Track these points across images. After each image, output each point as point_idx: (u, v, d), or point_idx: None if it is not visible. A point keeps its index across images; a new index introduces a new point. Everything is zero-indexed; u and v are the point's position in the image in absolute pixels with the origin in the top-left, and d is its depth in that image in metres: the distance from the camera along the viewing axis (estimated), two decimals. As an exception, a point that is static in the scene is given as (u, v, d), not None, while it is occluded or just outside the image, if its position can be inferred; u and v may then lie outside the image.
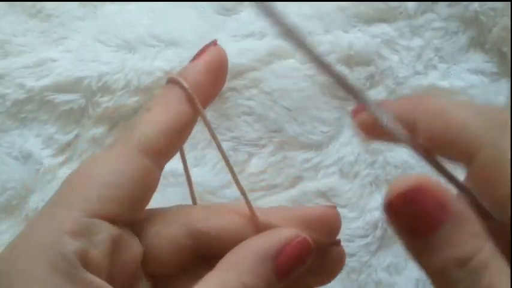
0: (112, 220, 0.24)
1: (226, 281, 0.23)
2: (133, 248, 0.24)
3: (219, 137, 0.39)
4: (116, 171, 0.24)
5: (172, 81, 0.26)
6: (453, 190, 0.23)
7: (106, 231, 0.23)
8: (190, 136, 0.39)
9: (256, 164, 0.39)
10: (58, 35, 0.41)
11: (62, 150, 0.39)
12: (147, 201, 0.25)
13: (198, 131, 0.39)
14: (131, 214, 0.25)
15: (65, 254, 0.22)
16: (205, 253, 0.26)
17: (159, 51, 0.40)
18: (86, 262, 0.22)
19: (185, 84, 0.26)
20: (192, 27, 0.41)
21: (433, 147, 0.24)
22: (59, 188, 0.26)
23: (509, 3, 0.40)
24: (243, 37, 0.41)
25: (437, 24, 0.41)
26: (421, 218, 0.22)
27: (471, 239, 0.22)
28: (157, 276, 0.26)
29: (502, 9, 0.40)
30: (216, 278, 0.23)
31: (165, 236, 0.26)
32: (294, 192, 0.38)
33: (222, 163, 0.39)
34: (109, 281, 0.23)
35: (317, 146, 0.39)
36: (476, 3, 0.40)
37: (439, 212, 0.22)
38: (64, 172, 0.39)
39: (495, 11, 0.40)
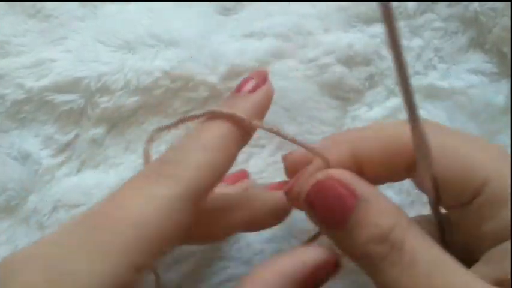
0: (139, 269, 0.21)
1: None
2: None
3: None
4: (160, 221, 0.22)
5: (228, 117, 0.25)
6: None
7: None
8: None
9: (255, 164, 0.38)
10: (57, 35, 0.41)
11: (61, 150, 0.39)
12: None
13: (198, 131, 0.39)
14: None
15: None
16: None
17: (159, 51, 0.40)
18: None
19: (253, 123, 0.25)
20: (192, 27, 0.41)
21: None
22: (77, 230, 0.22)
23: (509, 3, 0.40)
24: (243, 37, 0.41)
25: (437, 24, 0.41)
26: (332, 207, 0.23)
27: (384, 216, 0.22)
28: None
29: (502, 10, 0.40)
30: None
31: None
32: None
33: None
34: None
35: (317, 146, 0.39)
36: (476, 4, 0.40)
37: (346, 198, 0.23)
38: (63, 172, 0.39)
39: (495, 11, 0.40)
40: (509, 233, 0.21)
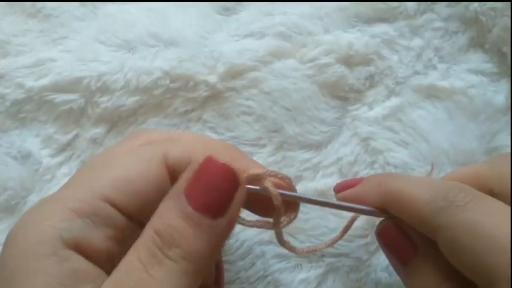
0: (121, 210, 0.24)
1: (142, 234, 0.23)
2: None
3: (218, 137, 0.39)
4: (138, 171, 0.25)
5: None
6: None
7: (113, 217, 0.24)
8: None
9: (255, 164, 0.38)
10: (57, 35, 0.41)
11: (61, 150, 0.39)
12: (154, 210, 0.25)
13: (198, 131, 0.39)
14: (139, 214, 0.25)
15: (61, 235, 0.22)
16: None
17: (159, 51, 0.40)
18: (83, 245, 0.23)
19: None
20: (192, 27, 0.41)
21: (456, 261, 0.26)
22: (79, 169, 0.27)
23: (509, 3, 0.40)
24: (243, 37, 0.41)
25: (437, 24, 0.41)
26: (396, 247, 0.28)
27: (436, 272, 0.26)
28: None
29: (502, 9, 0.40)
30: (139, 239, 0.23)
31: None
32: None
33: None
34: (111, 265, 0.23)
35: (316, 146, 0.39)
36: (476, 3, 0.40)
37: (410, 245, 0.28)
38: (63, 172, 0.39)
39: (495, 11, 0.40)
40: None
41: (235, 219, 0.24)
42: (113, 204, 0.24)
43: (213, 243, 0.23)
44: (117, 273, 0.22)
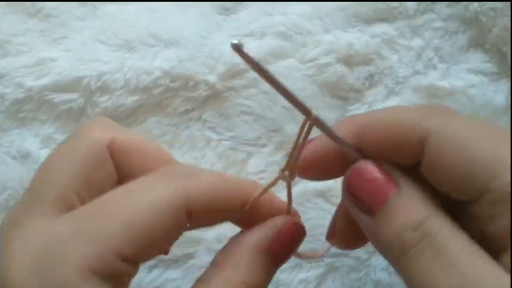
0: (129, 261, 0.23)
1: (228, 281, 0.24)
2: None
3: (218, 137, 0.39)
4: (159, 222, 0.23)
5: None
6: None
7: (127, 275, 0.23)
8: (190, 136, 0.39)
9: (255, 163, 0.38)
10: (57, 35, 0.41)
11: (60, 149, 0.39)
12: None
13: (197, 130, 0.39)
14: (150, 256, 0.25)
15: None
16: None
17: (159, 50, 0.40)
18: None
19: None
20: (192, 26, 0.41)
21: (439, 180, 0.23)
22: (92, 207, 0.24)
23: (509, 3, 0.40)
24: (243, 37, 0.41)
25: (437, 24, 0.41)
26: (371, 191, 0.24)
27: (419, 205, 0.23)
28: None
29: (502, 9, 0.40)
30: (219, 277, 0.24)
31: None
32: (293, 191, 0.38)
33: (220, 162, 0.39)
34: None
35: (316, 146, 0.39)
36: (476, 3, 0.40)
37: (385, 183, 0.23)
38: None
39: (495, 11, 0.40)
40: None
41: None
42: (125, 259, 0.23)
43: None
44: None
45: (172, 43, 0.40)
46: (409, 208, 0.23)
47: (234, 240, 0.27)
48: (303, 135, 0.25)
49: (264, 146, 0.39)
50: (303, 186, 0.38)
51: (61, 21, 0.41)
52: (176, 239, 0.26)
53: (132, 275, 0.24)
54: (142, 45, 0.40)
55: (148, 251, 0.24)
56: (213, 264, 0.26)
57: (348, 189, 0.25)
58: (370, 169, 0.24)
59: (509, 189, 0.21)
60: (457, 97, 0.40)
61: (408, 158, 0.24)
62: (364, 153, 0.25)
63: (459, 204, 0.23)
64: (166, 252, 0.29)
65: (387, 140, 0.24)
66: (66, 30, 0.41)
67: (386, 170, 0.24)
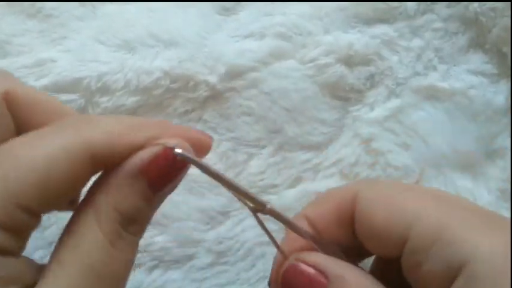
0: (32, 213, 0.23)
1: (100, 212, 0.23)
2: None
3: (218, 137, 0.39)
4: (62, 173, 0.22)
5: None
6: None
7: (28, 226, 0.23)
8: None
9: (255, 164, 0.38)
10: (57, 35, 0.41)
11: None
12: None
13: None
14: (53, 207, 0.25)
15: None
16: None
17: (159, 51, 0.39)
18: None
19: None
20: (192, 27, 0.41)
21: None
22: None
23: (509, 3, 0.40)
24: (243, 37, 0.41)
25: (437, 24, 0.41)
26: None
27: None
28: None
29: (501, 10, 0.40)
30: (86, 205, 0.23)
31: None
32: (293, 193, 0.38)
33: (221, 163, 0.39)
34: None
35: (317, 147, 0.39)
36: (476, 4, 0.40)
37: (317, 279, 0.24)
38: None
39: (495, 12, 0.40)
40: (449, 272, 0.21)
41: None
42: (28, 210, 0.22)
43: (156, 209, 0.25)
44: (76, 240, 0.23)
45: (173, 43, 0.40)
46: None
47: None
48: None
49: (264, 147, 0.39)
50: (303, 187, 0.38)
51: (61, 21, 0.41)
52: (82, 187, 0.24)
53: (33, 226, 0.23)
54: (142, 46, 0.40)
55: (49, 200, 0.23)
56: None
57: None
58: (300, 268, 0.25)
59: (427, 234, 0.22)
60: (457, 98, 0.40)
61: (348, 227, 0.25)
62: (316, 235, 0.26)
63: (397, 266, 0.24)
64: (73, 204, 0.27)
65: (331, 212, 0.26)
66: (65, 30, 0.41)
67: (318, 263, 0.24)
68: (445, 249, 0.21)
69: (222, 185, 0.24)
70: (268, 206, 0.25)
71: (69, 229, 0.23)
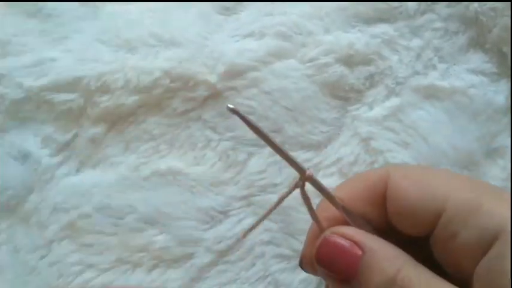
0: None
1: None
2: None
3: (217, 137, 0.39)
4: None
5: None
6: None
7: None
8: (190, 136, 0.39)
9: (255, 163, 0.38)
10: (58, 35, 0.41)
11: (60, 150, 0.39)
12: None
13: (198, 130, 0.39)
14: None
15: None
16: None
17: (159, 50, 0.40)
18: None
19: None
20: (192, 27, 0.41)
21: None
22: None
23: (509, 3, 0.40)
24: (243, 37, 0.41)
25: (437, 24, 0.41)
26: (341, 261, 0.25)
27: (389, 261, 0.24)
28: None
29: (502, 10, 0.40)
30: None
31: None
32: (293, 192, 0.38)
33: (220, 162, 0.39)
34: None
35: (317, 146, 0.39)
36: (476, 4, 0.40)
37: (351, 250, 0.25)
38: (62, 172, 0.39)
39: (495, 11, 0.40)
40: (485, 240, 0.22)
41: None
42: None
43: None
44: None
45: (173, 43, 0.40)
46: (380, 266, 0.24)
47: None
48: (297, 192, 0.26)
49: (264, 146, 0.39)
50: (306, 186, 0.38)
51: (62, 21, 0.41)
52: None
53: None
54: (142, 45, 0.40)
55: None
56: None
57: (320, 263, 0.26)
58: (334, 240, 0.25)
59: (464, 204, 0.23)
60: (457, 97, 0.40)
61: (379, 207, 0.26)
62: (346, 209, 0.26)
63: (426, 245, 0.25)
64: None
65: (362, 192, 0.26)
66: (66, 30, 0.41)
67: (351, 235, 0.25)
68: (482, 218, 0.22)
69: (270, 147, 0.24)
70: (308, 172, 0.25)
71: None
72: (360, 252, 0.24)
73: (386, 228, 0.26)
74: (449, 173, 0.25)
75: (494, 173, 0.39)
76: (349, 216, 0.26)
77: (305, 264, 0.29)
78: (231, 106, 0.22)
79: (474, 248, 0.22)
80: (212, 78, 0.39)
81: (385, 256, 0.24)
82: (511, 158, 0.39)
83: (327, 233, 0.26)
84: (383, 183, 0.26)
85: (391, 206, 0.25)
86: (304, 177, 0.25)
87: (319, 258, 0.26)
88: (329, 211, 0.26)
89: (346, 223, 0.26)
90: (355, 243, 0.25)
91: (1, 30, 0.41)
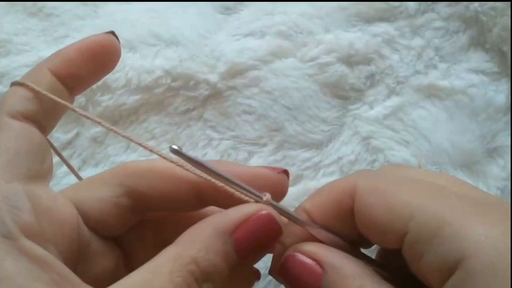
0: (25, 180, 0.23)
1: (178, 256, 0.23)
2: (61, 210, 0.24)
3: (219, 136, 0.39)
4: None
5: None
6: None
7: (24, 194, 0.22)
8: (191, 135, 0.39)
9: (256, 162, 0.38)
10: (58, 34, 0.41)
11: (62, 149, 0.39)
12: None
13: (198, 130, 0.39)
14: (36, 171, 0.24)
15: (4, 222, 0.20)
16: (150, 216, 0.27)
17: (160, 50, 0.40)
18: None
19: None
20: (193, 26, 0.41)
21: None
22: None
23: (509, 3, 0.40)
24: (243, 36, 0.41)
25: (437, 23, 0.41)
26: (303, 278, 0.25)
27: (351, 279, 0.24)
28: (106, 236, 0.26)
29: (502, 9, 0.40)
30: (169, 253, 0.23)
31: (103, 197, 0.26)
32: (294, 190, 0.38)
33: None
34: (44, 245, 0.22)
35: (317, 145, 0.39)
36: (476, 3, 0.40)
37: (313, 268, 0.24)
38: (64, 171, 0.39)
39: (495, 11, 0.40)
40: (448, 265, 0.21)
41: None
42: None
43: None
44: (146, 275, 0.23)
45: (173, 42, 0.40)
46: (342, 283, 0.24)
47: (196, 224, 0.25)
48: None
49: (265, 145, 0.39)
50: (303, 185, 0.38)
51: (62, 20, 0.41)
52: None
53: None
54: (143, 45, 0.40)
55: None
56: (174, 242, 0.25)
57: (285, 280, 0.26)
58: (298, 258, 0.25)
59: (427, 227, 0.22)
60: (458, 97, 0.40)
61: (348, 219, 0.25)
62: (311, 225, 0.26)
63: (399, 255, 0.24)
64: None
65: (330, 206, 0.26)
66: (67, 29, 0.41)
67: (314, 252, 0.25)
68: (444, 242, 0.21)
69: (219, 181, 0.24)
70: (265, 198, 0.25)
71: (149, 261, 0.23)
72: (320, 270, 0.24)
73: (360, 238, 0.26)
74: (421, 185, 0.24)
75: (494, 172, 0.39)
76: (315, 232, 0.26)
77: (274, 276, 0.28)
78: (175, 147, 0.23)
79: (438, 272, 0.21)
80: (213, 78, 0.39)
81: (347, 273, 0.24)
82: (511, 157, 0.39)
83: (290, 249, 0.25)
84: (350, 197, 0.25)
85: (358, 221, 0.25)
86: (263, 203, 0.25)
87: (283, 274, 0.25)
88: (296, 226, 0.26)
89: (313, 238, 0.26)
90: (317, 261, 0.24)
91: (2, 29, 0.41)
